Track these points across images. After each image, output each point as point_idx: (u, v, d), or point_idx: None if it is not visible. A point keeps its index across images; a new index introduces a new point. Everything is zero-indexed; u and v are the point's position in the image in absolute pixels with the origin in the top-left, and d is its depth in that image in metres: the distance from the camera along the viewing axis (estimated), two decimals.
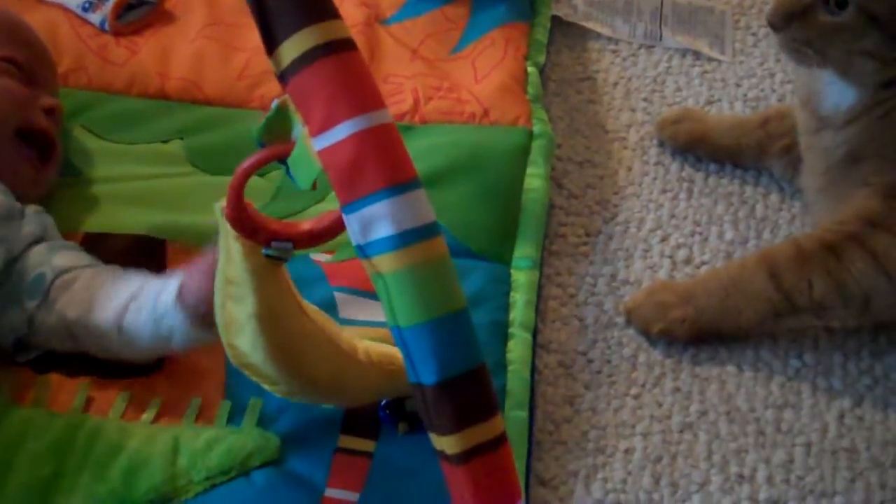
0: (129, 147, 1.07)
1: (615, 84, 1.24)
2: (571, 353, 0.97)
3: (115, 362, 0.85)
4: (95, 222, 0.97)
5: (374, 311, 0.91)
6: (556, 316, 1.00)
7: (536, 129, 1.11)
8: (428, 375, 0.63)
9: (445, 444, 0.64)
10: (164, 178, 1.03)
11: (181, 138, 1.08)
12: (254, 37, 1.17)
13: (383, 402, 0.83)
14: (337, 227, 0.70)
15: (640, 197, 1.12)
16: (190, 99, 1.12)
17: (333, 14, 0.63)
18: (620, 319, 1.00)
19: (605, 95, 1.23)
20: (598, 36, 1.30)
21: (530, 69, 1.18)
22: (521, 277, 0.98)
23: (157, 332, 0.81)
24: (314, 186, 0.65)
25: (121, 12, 1.17)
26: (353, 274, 0.94)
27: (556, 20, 1.29)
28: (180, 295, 0.79)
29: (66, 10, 1.18)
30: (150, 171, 1.04)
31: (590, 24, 1.31)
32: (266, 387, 0.77)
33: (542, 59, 1.22)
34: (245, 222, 0.69)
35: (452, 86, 1.15)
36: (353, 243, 0.65)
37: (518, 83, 1.15)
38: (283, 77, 0.63)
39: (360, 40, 1.13)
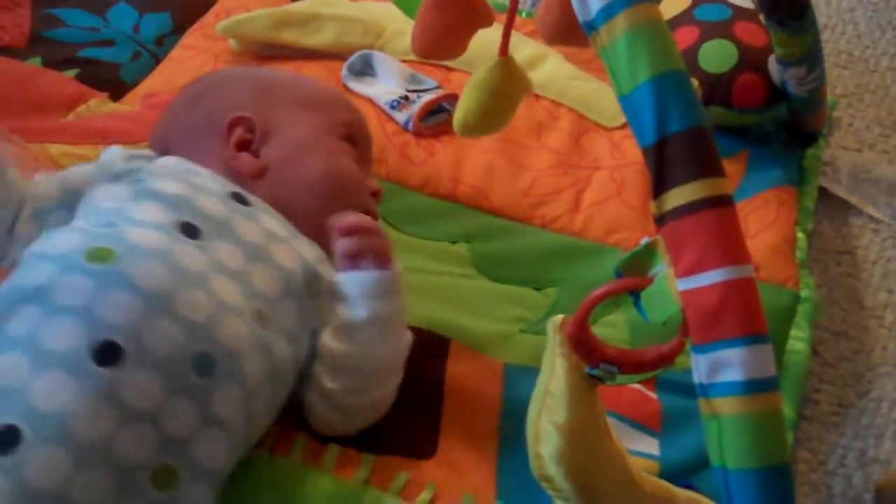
0: (420, 241, 1.14)
1: (874, 262, 1.27)
2: None
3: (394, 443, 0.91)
4: None
5: (635, 441, 0.96)
6: (804, 480, 1.01)
7: (804, 293, 1.14)
8: None
9: None
10: (450, 276, 1.10)
11: (467, 241, 1.15)
12: (542, 159, 1.27)
13: None
14: (664, 361, 0.74)
15: (893, 377, 1.13)
16: (477, 206, 1.19)
17: (721, 172, 0.69)
18: (868, 496, 1.00)
19: (863, 272, 1.26)
20: (860, 212, 1.33)
21: (799, 234, 1.22)
22: None
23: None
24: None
25: (424, 115, 1.26)
26: (620, 401, 0.97)
27: (821, 190, 1.33)
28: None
29: (375, 105, 1.28)
30: (437, 268, 1.11)
31: (852, 199, 1.34)
32: (558, 502, 0.80)
33: (810, 225, 1.25)
34: (583, 342, 0.74)
35: None
36: (695, 381, 0.69)
37: (788, 246, 1.19)
38: (661, 218, 0.69)
39: (626, 175, 1.21)
